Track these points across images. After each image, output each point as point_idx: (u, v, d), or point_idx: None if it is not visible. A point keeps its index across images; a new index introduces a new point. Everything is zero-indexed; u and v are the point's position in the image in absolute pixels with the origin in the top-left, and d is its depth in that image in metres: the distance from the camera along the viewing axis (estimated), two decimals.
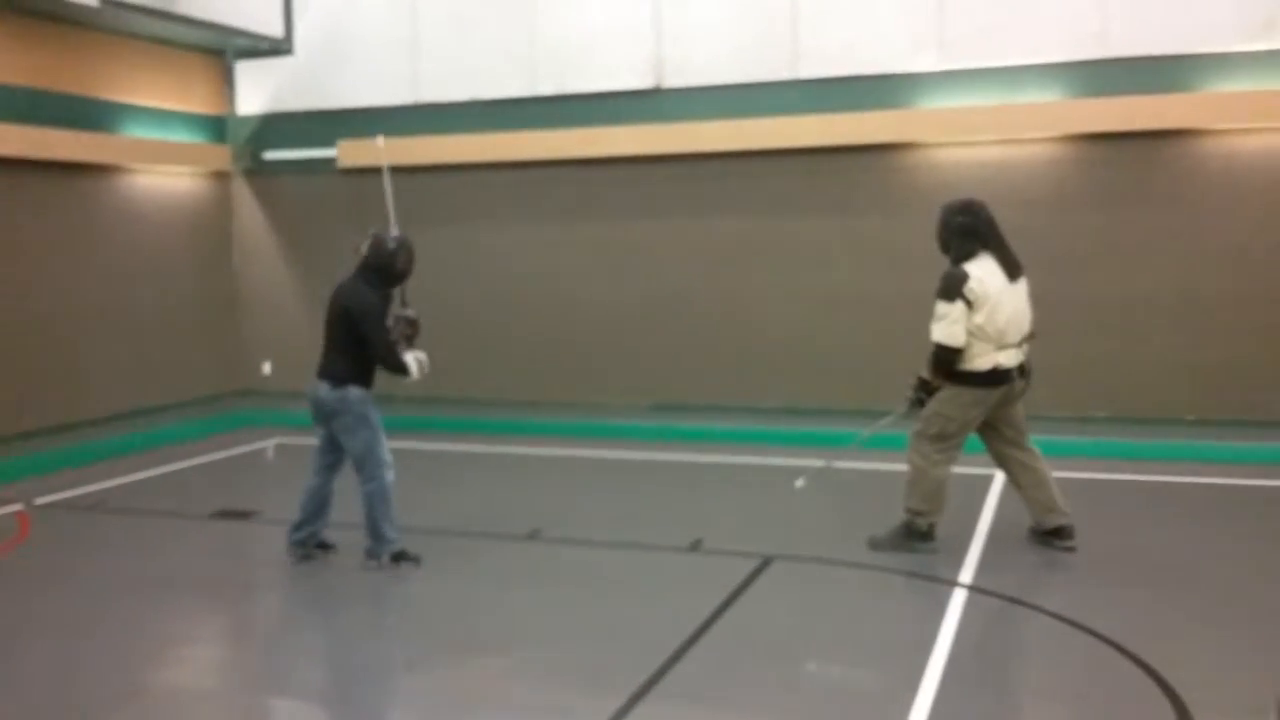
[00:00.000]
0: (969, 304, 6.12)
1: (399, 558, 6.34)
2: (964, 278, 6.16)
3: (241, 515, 7.73)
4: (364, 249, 6.29)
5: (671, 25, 9.99)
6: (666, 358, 10.28)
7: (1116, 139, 8.92)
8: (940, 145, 9.38)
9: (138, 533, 7.42)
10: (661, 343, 10.28)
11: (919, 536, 6.42)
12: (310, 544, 6.53)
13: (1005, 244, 6.34)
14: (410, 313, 6.51)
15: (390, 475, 6.28)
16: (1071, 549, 6.39)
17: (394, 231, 6.39)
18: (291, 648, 5.53)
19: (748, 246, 9.98)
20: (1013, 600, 5.66)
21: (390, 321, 6.33)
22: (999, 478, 8.19)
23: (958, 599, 5.68)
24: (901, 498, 6.49)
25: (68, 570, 6.55)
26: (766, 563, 6.32)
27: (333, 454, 6.44)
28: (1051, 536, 6.48)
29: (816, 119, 9.47)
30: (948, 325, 6.15)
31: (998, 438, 6.53)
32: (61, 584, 6.29)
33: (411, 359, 6.32)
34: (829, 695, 4.73)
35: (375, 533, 6.32)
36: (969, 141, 9.28)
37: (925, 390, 6.39)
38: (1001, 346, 6.22)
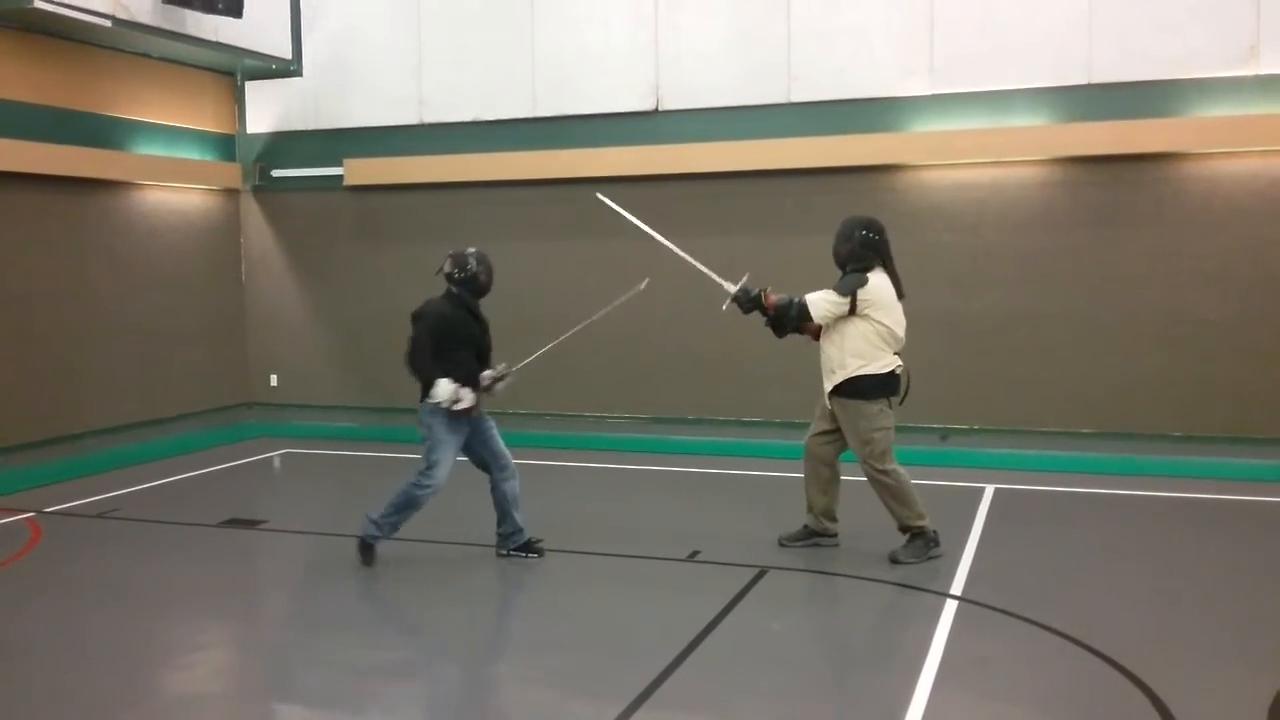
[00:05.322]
0: (854, 306, 6.45)
1: (365, 548, 6.61)
2: (863, 282, 6.49)
3: (250, 524, 7.90)
4: (446, 267, 6.61)
5: (669, 50, 10.18)
6: (664, 372, 10.44)
7: (1102, 162, 9.10)
8: (930, 167, 9.56)
9: (147, 540, 7.53)
10: (660, 358, 10.44)
11: (932, 543, 6.65)
12: (511, 545, 6.81)
13: (894, 267, 6.69)
14: (503, 378, 6.64)
15: (427, 493, 6.51)
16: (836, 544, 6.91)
17: (471, 249, 6.69)
18: (295, 654, 5.59)
19: (742, 265, 10.09)
20: (1003, 612, 5.75)
21: (497, 370, 6.59)
22: (989, 492, 8.43)
23: (949, 610, 5.79)
24: (896, 517, 6.64)
25: (77, 577, 6.66)
26: (762, 573, 6.46)
27: (475, 458, 6.76)
28: (821, 537, 6.91)
29: (810, 141, 9.66)
30: (827, 305, 6.52)
31: (837, 441, 6.81)
32: (72, 589, 6.41)
33: (449, 385, 6.33)
34: (824, 703, 4.85)
35: (381, 511, 6.56)
36: (958, 164, 9.46)
37: (751, 299, 6.70)
38: (896, 352, 6.58)
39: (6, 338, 9.25)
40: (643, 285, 7.22)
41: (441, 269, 6.63)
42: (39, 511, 8.18)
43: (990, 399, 9.54)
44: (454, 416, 6.43)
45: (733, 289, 6.77)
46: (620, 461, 9.91)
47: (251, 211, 11.72)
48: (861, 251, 6.55)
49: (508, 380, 6.63)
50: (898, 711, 4.59)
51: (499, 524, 6.84)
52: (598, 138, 10.37)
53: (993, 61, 9.32)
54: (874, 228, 6.60)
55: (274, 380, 11.70)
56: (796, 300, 6.59)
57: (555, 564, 6.86)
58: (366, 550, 6.63)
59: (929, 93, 9.50)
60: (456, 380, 6.36)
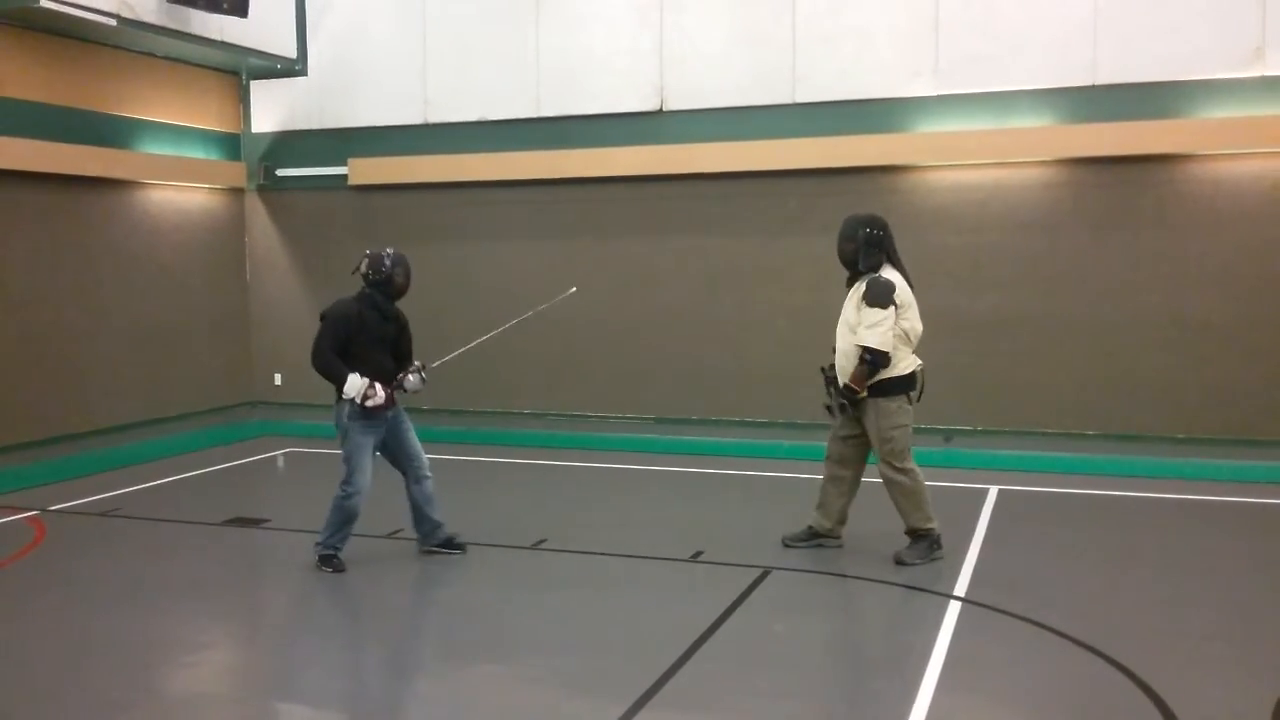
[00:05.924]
0: (897, 309, 6.40)
1: (326, 561, 6.59)
2: (892, 285, 6.42)
3: (254, 522, 7.90)
4: (363, 267, 6.56)
5: (673, 50, 10.18)
6: (668, 373, 10.44)
7: (1106, 163, 9.09)
8: (934, 168, 9.55)
9: (151, 539, 7.56)
10: (663, 358, 10.44)
11: (936, 545, 6.65)
12: (431, 542, 6.83)
13: (901, 261, 6.65)
14: (418, 372, 6.63)
15: (357, 501, 6.51)
16: (839, 546, 6.90)
17: (389, 249, 6.63)
18: (299, 653, 5.60)
19: (746, 265, 10.15)
20: (1007, 613, 5.75)
21: (412, 370, 6.58)
22: (993, 493, 8.43)
23: (953, 611, 5.79)
24: (906, 519, 6.64)
25: (82, 575, 6.68)
26: (766, 574, 6.47)
27: (389, 457, 6.73)
28: (826, 538, 6.90)
29: (814, 142, 9.65)
30: (882, 331, 6.37)
31: (860, 444, 6.78)
32: (75, 588, 6.42)
33: (359, 380, 6.35)
34: (828, 705, 4.85)
35: (323, 533, 6.60)
36: (962, 165, 9.45)
37: (847, 397, 6.57)
38: (914, 350, 6.55)
39: (10, 336, 9.27)
40: (571, 291, 7.48)
41: (357, 268, 6.60)
42: (43, 510, 8.19)
43: (993, 400, 9.53)
44: (367, 416, 6.43)
45: (836, 411, 6.66)
46: (623, 462, 9.92)
47: (256, 211, 11.73)
48: (867, 249, 6.51)
49: (421, 376, 6.62)
50: (901, 713, 4.59)
51: (416, 525, 6.86)
52: (602, 138, 10.37)
53: (997, 63, 9.32)
54: (877, 224, 6.57)
55: (278, 379, 11.71)
56: (863, 357, 6.41)
57: (558, 564, 6.88)
58: (326, 563, 6.60)
59: (933, 94, 9.50)
60: (366, 377, 6.40)
